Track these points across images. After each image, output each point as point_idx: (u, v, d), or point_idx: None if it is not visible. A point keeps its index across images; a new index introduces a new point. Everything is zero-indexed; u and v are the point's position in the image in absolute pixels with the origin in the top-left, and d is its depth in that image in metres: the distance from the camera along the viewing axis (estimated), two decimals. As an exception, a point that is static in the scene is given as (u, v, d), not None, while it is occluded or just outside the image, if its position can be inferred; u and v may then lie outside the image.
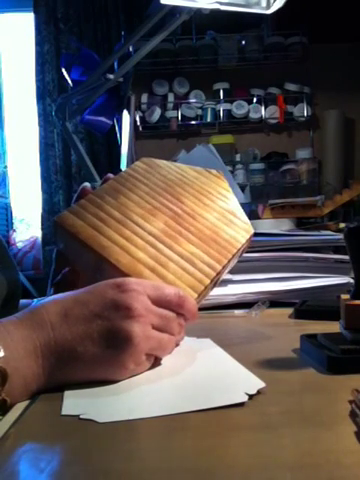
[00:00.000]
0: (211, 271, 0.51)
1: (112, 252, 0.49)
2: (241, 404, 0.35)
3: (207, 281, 0.50)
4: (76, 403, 0.37)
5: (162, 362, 0.46)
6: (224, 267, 0.53)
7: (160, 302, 0.43)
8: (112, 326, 0.40)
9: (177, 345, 0.48)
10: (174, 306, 0.44)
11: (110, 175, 0.59)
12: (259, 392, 0.37)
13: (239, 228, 0.58)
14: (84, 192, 0.57)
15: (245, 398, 0.36)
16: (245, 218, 0.60)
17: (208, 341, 0.54)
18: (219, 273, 0.52)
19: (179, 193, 0.59)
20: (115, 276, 0.47)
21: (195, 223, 0.56)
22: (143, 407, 0.36)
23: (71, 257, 0.55)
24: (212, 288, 0.56)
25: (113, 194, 0.55)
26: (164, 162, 0.64)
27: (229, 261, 0.54)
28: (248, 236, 0.58)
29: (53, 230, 0.53)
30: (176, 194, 0.59)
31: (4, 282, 0.62)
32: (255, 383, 0.39)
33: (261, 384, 0.38)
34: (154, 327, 0.42)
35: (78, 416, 0.34)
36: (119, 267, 0.48)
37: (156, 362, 0.45)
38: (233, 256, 0.55)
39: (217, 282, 0.56)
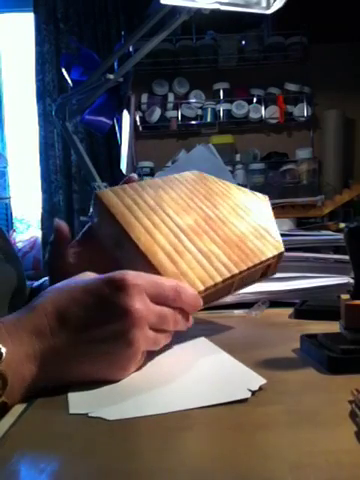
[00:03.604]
0: (226, 271, 0.51)
1: (135, 229, 0.51)
2: (244, 400, 0.35)
3: (218, 279, 0.50)
4: (83, 401, 0.37)
5: (162, 362, 0.46)
6: (242, 274, 0.53)
7: (158, 299, 0.43)
8: (112, 330, 0.40)
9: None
10: (170, 301, 0.43)
11: (134, 175, 0.61)
12: (260, 390, 0.37)
13: (268, 243, 0.57)
14: (129, 180, 0.60)
15: (248, 394, 0.36)
16: (278, 237, 0.59)
17: (203, 339, 0.54)
18: (234, 277, 0.52)
19: (217, 201, 0.60)
20: (133, 253, 0.49)
21: (224, 227, 0.56)
22: (150, 404, 0.36)
23: (99, 231, 0.57)
24: (226, 294, 0.56)
25: (154, 187, 0.58)
26: (213, 177, 0.66)
27: (249, 270, 0.54)
28: (276, 252, 0.57)
29: (92, 203, 0.56)
30: (214, 201, 0.60)
31: (14, 274, 0.62)
32: (256, 379, 0.39)
33: (262, 380, 0.38)
34: (151, 326, 0.42)
35: (86, 414, 0.34)
36: (137, 244, 0.50)
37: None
38: (255, 266, 0.54)
39: (232, 290, 0.56)
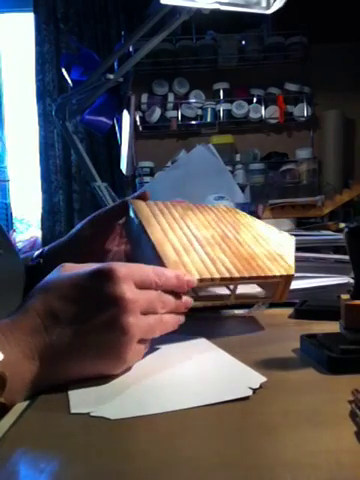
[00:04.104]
0: (226, 272, 0.52)
1: (152, 227, 0.56)
2: (244, 400, 0.35)
3: (217, 275, 0.51)
4: (84, 401, 0.37)
5: (162, 361, 0.46)
6: (243, 280, 0.53)
7: (143, 284, 0.43)
8: (106, 321, 0.40)
9: (177, 318, 0.47)
10: (154, 284, 0.44)
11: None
12: (260, 389, 0.37)
13: (279, 265, 0.57)
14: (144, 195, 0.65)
15: (249, 392, 0.36)
16: (291, 263, 0.59)
17: (203, 340, 0.54)
18: (234, 280, 0.52)
19: (241, 229, 0.63)
20: (146, 247, 0.54)
21: (238, 246, 0.58)
22: (151, 403, 0.36)
23: (127, 234, 0.65)
24: (223, 299, 0.57)
25: (185, 208, 0.64)
26: (245, 213, 0.69)
27: (251, 279, 0.54)
28: (284, 273, 0.56)
29: (127, 211, 0.62)
30: (237, 228, 0.63)
31: (22, 268, 0.63)
32: (257, 378, 0.39)
33: (263, 379, 0.39)
34: (142, 312, 0.42)
35: (88, 414, 0.34)
36: (151, 238, 0.53)
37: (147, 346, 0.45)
38: (258, 278, 0.54)
39: (231, 297, 0.56)
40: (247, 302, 0.62)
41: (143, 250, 0.55)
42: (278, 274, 0.56)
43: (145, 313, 0.43)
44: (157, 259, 0.50)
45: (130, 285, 0.41)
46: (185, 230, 0.57)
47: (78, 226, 0.68)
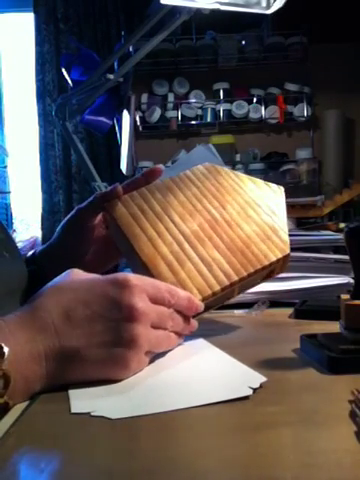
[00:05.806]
0: (225, 279, 0.51)
1: (139, 241, 0.53)
2: (244, 399, 0.35)
3: (217, 288, 0.51)
4: (84, 401, 0.37)
5: (161, 361, 0.46)
6: (242, 280, 0.53)
7: (156, 299, 0.44)
8: (117, 327, 0.40)
9: (179, 338, 0.48)
10: (166, 302, 0.45)
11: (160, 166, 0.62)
12: (260, 389, 0.37)
13: (274, 246, 0.56)
14: (152, 173, 0.61)
15: (249, 392, 0.36)
16: (286, 237, 0.58)
17: (201, 341, 0.54)
18: (234, 284, 0.52)
19: (226, 200, 0.60)
20: (138, 263, 0.51)
21: (229, 231, 0.56)
22: (151, 403, 0.36)
23: (114, 239, 0.61)
24: (228, 298, 0.57)
25: (163, 191, 0.59)
26: (226, 170, 0.64)
27: (250, 276, 0.53)
28: (280, 256, 0.56)
29: (103, 215, 0.60)
30: (223, 201, 0.59)
31: (25, 272, 0.63)
32: (257, 377, 0.39)
33: (262, 378, 0.39)
34: (152, 325, 0.43)
35: (89, 413, 0.34)
36: (140, 256, 0.51)
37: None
38: (256, 272, 0.54)
39: (234, 294, 0.56)
40: (252, 287, 0.61)
41: (134, 260, 0.54)
42: (275, 259, 0.55)
43: (155, 327, 0.43)
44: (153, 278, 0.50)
45: (143, 297, 0.42)
46: (172, 230, 0.55)
47: (57, 233, 0.68)
